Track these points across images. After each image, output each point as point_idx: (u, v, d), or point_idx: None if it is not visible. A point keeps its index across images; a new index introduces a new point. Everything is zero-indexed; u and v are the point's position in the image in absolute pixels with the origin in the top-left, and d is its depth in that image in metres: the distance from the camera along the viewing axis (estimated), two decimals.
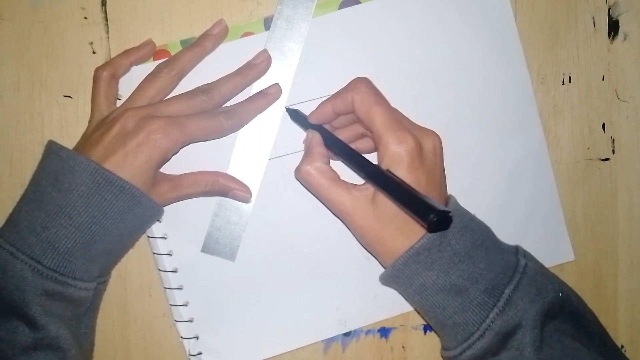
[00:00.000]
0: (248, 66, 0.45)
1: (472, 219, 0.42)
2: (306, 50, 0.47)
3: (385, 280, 0.42)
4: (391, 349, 0.50)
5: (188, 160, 0.45)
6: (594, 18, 0.51)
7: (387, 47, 0.48)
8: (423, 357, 0.50)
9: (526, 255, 0.42)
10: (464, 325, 0.39)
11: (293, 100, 0.47)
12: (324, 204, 0.43)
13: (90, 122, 0.44)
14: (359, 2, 0.48)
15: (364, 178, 0.41)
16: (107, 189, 0.39)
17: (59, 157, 0.40)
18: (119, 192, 0.40)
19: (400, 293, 0.44)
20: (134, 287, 0.47)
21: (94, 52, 0.46)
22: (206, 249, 0.47)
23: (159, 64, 0.44)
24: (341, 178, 0.42)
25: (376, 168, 0.40)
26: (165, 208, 0.45)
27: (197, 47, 0.45)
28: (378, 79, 0.47)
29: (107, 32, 0.46)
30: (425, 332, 0.50)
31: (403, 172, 0.39)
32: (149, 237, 0.46)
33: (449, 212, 0.34)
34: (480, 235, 0.41)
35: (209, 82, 0.44)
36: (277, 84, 0.46)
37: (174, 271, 0.46)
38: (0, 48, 0.46)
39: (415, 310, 0.46)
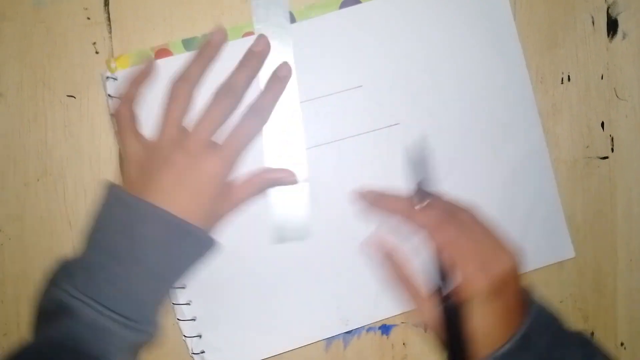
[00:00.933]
0: (251, 55, 0.45)
1: (547, 315, 0.42)
2: (307, 50, 0.47)
3: None
4: (392, 346, 0.50)
5: None
6: (592, 17, 0.51)
7: (387, 47, 0.48)
8: (424, 354, 0.50)
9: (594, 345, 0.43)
10: None
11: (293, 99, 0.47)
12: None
13: (127, 161, 0.43)
14: (360, 2, 0.48)
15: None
16: (180, 236, 0.40)
17: (129, 206, 0.40)
18: (190, 238, 0.41)
19: None
20: None
21: (96, 52, 0.47)
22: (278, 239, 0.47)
23: (174, 83, 0.44)
24: None
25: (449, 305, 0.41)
26: None
27: (203, 57, 0.45)
28: (378, 79, 0.48)
29: (110, 32, 0.47)
30: (426, 329, 0.50)
31: (479, 305, 0.40)
32: None
33: None
34: (555, 326, 0.42)
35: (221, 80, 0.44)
36: (285, 62, 0.46)
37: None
38: (3, 48, 0.46)
39: None
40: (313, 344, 0.49)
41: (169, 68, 0.46)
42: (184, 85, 0.43)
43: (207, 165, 0.41)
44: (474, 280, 0.40)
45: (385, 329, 0.50)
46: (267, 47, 0.46)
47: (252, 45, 0.46)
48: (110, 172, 0.47)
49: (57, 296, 0.38)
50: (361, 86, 0.48)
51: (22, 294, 0.47)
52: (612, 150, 0.52)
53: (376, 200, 0.46)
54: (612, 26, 0.51)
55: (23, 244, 0.47)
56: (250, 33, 0.47)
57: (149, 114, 0.46)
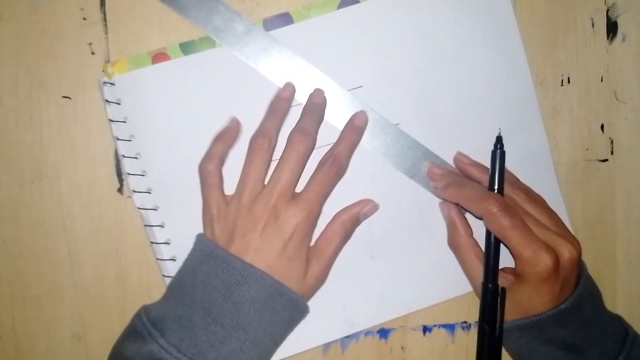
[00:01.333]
0: (312, 105, 0.46)
1: (594, 285, 0.45)
2: (305, 51, 0.47)
3: (514, 328, 0.43)
4: (390, 350, 0.50)
5: None
6: (592, 19, 0.51)
7: (387, 47, 0.48)
8: (422, 358, 0.50)
9: (628, 325, 0.45)
10: None
11: (293, 101, 0.47)
12: (466, 273, 0.46)
13: (210, 218, 0.43)
14: (358, 2, 0.47)
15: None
16: (278, 301, 0.40)
17: (232, 268, 0.40)
18: (288, 303, 0.41)
19: (512, 345, 0.45)
20: (133, 289, 0.47)
21: (92, 53, 0.46)
22: None
23: (253, 139, 0.44)
24: None
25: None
26: (161, 197, 0.45)
27: (276, 111, 0.45)
28: (378, 78, 0.48)
29: (106, 32, 0.46)
30: (424, 333, 0.50)
31: (538, 284, 0.41)
32: (145, 225, 0.46)
33: None
34: (598, 301, 0.45)
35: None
36: (362, 111, 0.47)
37: (173, 259, 0.46)
38: None
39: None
40: (311, 348, 0.48)
41: (167, 73, 0.46)
42: (263, 140, 0.43)
43: (292, 218, 0.41)
44: (539, 260, 0.41)
45: (383, 332, 0.50)
46: (324, 100, 0.46)
47: (311, 96, 0.46)
48: (105, 174, 0.47)
49: (157, 354, 0.38)
50: (361, 86, 0.48)
51: (17, 296, 0.47)
52: (612, 152, 0.52)
53: (451, 186, 0.46)
54: (612, 28, 0.51)
55: (18, 245, 0.47)
56: None
57: (148, 121, 0.46)
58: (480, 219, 0.43)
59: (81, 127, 0.47)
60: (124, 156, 0.46)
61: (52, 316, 0.47)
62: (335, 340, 0.49)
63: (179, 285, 0.41)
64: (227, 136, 0.45)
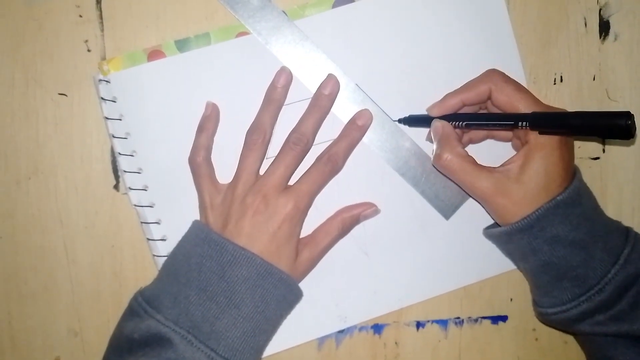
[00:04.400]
0: (320, 97, 0.46)
1: (587, 186, 0.45)
2: (300, 49, 0.47)
3: (514, 231, 0.43)
4: (384, 345, 0.50)
5: None
6: (585, 18, 0.51)
7: (381, 46, 0.48)
8: (416, 353, 0.51)
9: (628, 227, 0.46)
10: (584, 279, 0.42)
11: (288, 99, 0.47)
12: (463, 187, 0.45)
13: (205, 207, 0.45)
14: (353, 1, 0.48)
15: (524, 129, 0.43)
16: (269, 280, 0.42)
17: (225, 250, 0.42)
18: (277, 282, 0.43)
19: (515, 249, 0.45)
20: (129, 284, 0.48)
21: (88, 50, 0.46)
22: None
23: (249, 133, 0.45)
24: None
25: (538, 114, 0.43)
26: (157, 193, 0.46)
27: (271, 103, 0.46)
28: (372, 77, 0.48)
29: (102, 30, 0.46)
30: (417, 328, 0.51)
31: (553, 149, 0.42)
32: (142, 222, 0.47)
33: (631, 113, 0.38)
34: (595, 199, 0.45)
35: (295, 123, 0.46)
36: (366, 110, 0.47)
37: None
38: None
39: (523, 266, 0.47)
40: (305, 343, 0.49)
41: (162, 70, 0.46)
42: (258, 135, 0.45)
43: (282, 207, 0.43)
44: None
45: (377, 328, 0.50)
46: (336, 87, 0.47)
47: (321, 87, 0.46)
48: (101, 170, 0.47)
49: (154, 328, 0.40)
50: (356, 84, 0.48)
51: (13, 292, 0.47)
52: (604, 151, 0.52)
53: (437, 109, 0.46)
54: (604, 28, 0.52)
55: (14, 241, 0.47)
56: (245, 33, 0.47)
57: (143, 119, 0.46)
58: (483, 102, 0.45)
59: (77, 123, 0.47)
60: (119, 154, 0.46)
61: (48, 311, 0.47)
62: (330, 336, 0.49)
63: (174, 267, 0.43)
64: (207, 124, 0.46)
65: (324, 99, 0.46)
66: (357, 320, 0.49)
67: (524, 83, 0.50)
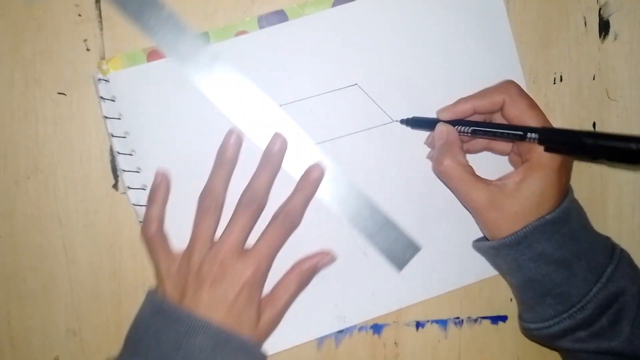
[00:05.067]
0: (270, 154, 0.45)
1: (580, 206, 0.46)
2: (300, 48, 0.47)
3: (502, 246, 0.44)
4: (384, 345, 0.50)
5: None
6: (585, 18, 0.51)
7: (380, 45, 0.48)
8: (415, 353, 0.51)
9: (617, 244, 0.46)
10: (567, 296, 0.43)
11: (287, 99, 0.47)
12: (457, 196, 0.46)
13: (161, 278, 0.44)
14: (353, 0, 0.48)
15: (531, 142, 0.43)
16: (227, 348, 0.41)
17: (180, 321, 0.41)
18: (237, 348, 0.42)
19: (502, 263, 0.45)
20: (128, 283, 0.48)
21: (87, 50, 0.46)
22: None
23: (201, 198, 0.45)
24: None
25: (548, 128, 0.43)
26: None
27: (222, 165, 0.45)
28: (371, 76, 0.48)
29: (101, 29, 0.46)
30: (417, 328, 0.50)
31: (553, 172, 0.43)
32: (140, 222, 0.46)
33: None
34: (585, 218, 0.46)
35: (246, 184, 0.45)
36: (317, 164, 0.46)
37: None
38: None
39: (510, 280, 0.47)
40: (305, 344, 0.49)
41: (161, 71, 0.46)
42: (211, 200, 0.44)
43: (240, 273, 0.42)
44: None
45: (377, 328, 0.50)
46: (284, 145, 0.46)
47: (270, 145, 0.46)
48: (100, 169, 0.47)
49: None
50: (355, 84, 0.48)
51: (12, 291, 0.47)
52: None
53: (448, 112, 0.46)
54: (604, 27, 0.52)
55: (13, 241, 0.47)
56: (243, 32, 0.47)
57: (143, 119, 0.46)
58: (494, 111, 0.45)
59: (76, 123, 0.47)
60: (118, 153, 0.46)
61: (47, 311, 0.47)
62: (329, 336, 0.49)
63: (136, 336, 0.43)
64: (157, 195, 0.45)
65: (274, 156, 0.45)
66: (356, 321, 0.49)
67: (523, 83, 0.50)
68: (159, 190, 0.45)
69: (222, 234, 0.44)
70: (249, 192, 0.44)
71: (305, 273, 0.46)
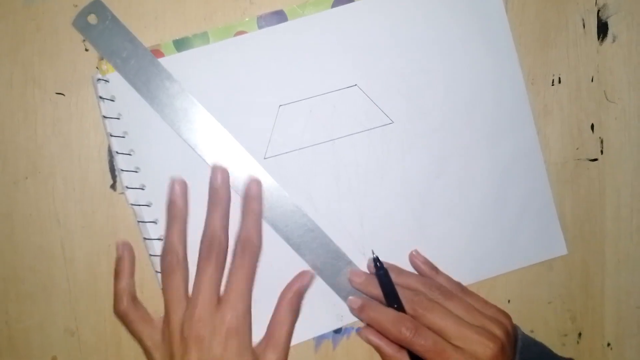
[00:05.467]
0: (215, 191, 0.45)
1: (533, 346, 0.46)
2: (299, 49, 0.47)
3: None
4: None
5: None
6: (583, 20, 0.51)
7: (380, 46, 0.48)
8: None
9: None
10: None
11: (287, 98, 0.47)
12: None
13: (147, 351, 0.44)
14: (352, 0, 0.48)
15: None
16: None
17: None
18: None
19: None
20: None
21: (86, 50, 0.46)
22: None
23: (162, 259, 0.44)
24: None
25: None
26: (155, 193, 0.46)
27: (175, 220, 0.44)
28: (371, 77, 0.48)
29: None
30: None
31: None
32: (139, 221, 0.47)
33: None
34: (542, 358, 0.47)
35: (203, 227, 0.44)
36: (253, 179, 0.46)
37: None
38: None
39: None
40: (302, 345, 0.49)
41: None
42: (171, 257, 0.43)
43: (220, 324, 0.41)
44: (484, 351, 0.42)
45: None
46: (226, 174, 0.45)
47: (211, 181, 0.45)
48: (99, 170, 0.47)
49: None
50: (355, 85, 0.48)
51: (10, 292, 0.47)
52: (602, 152, 0.52)
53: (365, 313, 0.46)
54: (603, 29, 0.52)
55: (12, 241, 0.47)
56: (242, 32, 0.47)
57: (142, 118, 0.46)
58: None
59: (75, 123, 0.47)
60: (117, 152, 0.46)
61: (46, 311, 0.47)
62: (327, 337, 0.49)
63: None
64: (123, 267, 0.45)
65: (219, 191, 0.44)
66: (353, 318, 0.49)
67: (522, 84, 0.50)
68: (123, 262, 0.45)
69: (192, 291, 0.43)
70: (206, 240, 0.43)
71: (294, 300, 0.45)
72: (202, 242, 0.43)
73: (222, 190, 0.45)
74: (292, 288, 0.45)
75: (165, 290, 0.43)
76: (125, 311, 0.44)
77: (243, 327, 0.42)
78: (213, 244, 0.43)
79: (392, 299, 0.45)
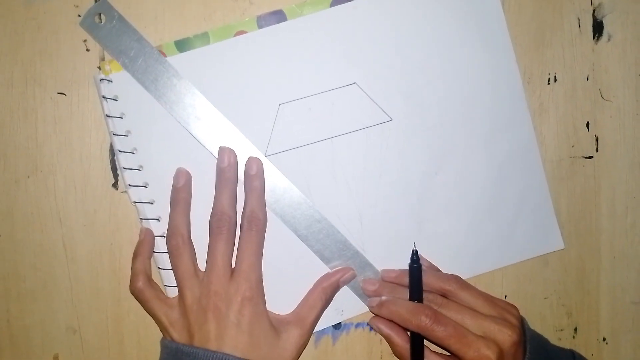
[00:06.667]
0: (222, 171, 0.45)
1: (539, 339, 0.47)
2: (299, 48, 0.48)
3: None
4: (380, 341, 0.51)
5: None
6: (579, 19, 0.52)
7: (378, 45, 0.49)
8: None
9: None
10: None
11: (286, 97, 0.48)
12: None
13: (164, 327, 0.44)
14: (351, 0, 0.48)
15: None
16: None
17: (197, 358, 0.41)
18: None
19: None
20: (128, 281, 0.47)
21: (87, 50, 0.47)
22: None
23: (168, 242, 0.45)
24: None
25: None
26: (157, 191, 0.46)
27: (179, 203, 0.45)
28: (370, 76, 0.49)
29: None
30: None
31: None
32: (141, 219, 0.47)
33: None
34: (547, 354, 0.46)
35: (211, 201, 0.45)
36: (252, 157, 0.46)
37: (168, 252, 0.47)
38: None
39: None
40: None
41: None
42: (177, 240, 0.44)
43: (234, 294, 0.43)
44: (482, 358, 0.42)
45: None
46: (233, 157, 0.46)
47: (219, 162, 0.46)
48: (100, 168, 0.47)
49: None
50: (354, 83, 0.48)
51: (12, 290, 0.47)
52: (597, 150, 0.53)
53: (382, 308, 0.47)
54: (598, 28, 0.52)
55: (13, 240, 0.47)
56: (242, 32, 0.47)
57: (145, 117, 0.46)
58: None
59: (76, 122, 0.47)
60: (120, 151, 0.46)
61: (47, 309, 0.48)
62: (326, 332, 0.50)
63: None
64: (143, 249, 0.46)
65: (226, 172, 0.45)
66: (353, 313, 0.50)
67: (519, 83, 0.50)
68: (144, 245, 0.46)
69: (206, 266, 0.44)
70: (215, 217, 0.44)
71: (329, 289, 0.47)
72: (211, 219, 0.45)
73: (230, 171, 0.45)
74: (331, 278, 0.47)
75: (176, 271, 0.44)
76: (142, 289, 0.45)
77: (257, 296, 0.44)
78: (222, 219, 0.44)
79: (415, 293, 0.46)
